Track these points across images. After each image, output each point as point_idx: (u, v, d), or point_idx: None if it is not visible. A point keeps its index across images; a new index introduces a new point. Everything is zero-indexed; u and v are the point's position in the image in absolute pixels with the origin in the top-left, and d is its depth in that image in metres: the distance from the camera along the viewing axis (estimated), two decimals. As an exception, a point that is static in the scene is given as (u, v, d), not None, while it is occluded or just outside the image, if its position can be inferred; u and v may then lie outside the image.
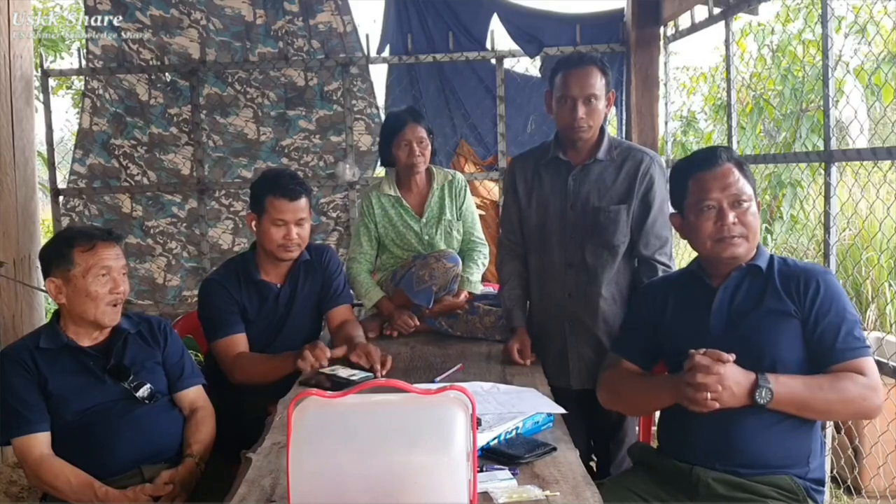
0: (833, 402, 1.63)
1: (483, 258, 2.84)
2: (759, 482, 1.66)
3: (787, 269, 1.75)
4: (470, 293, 2.71)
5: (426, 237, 2.77)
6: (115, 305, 1.94)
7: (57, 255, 1.93)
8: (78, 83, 6.55)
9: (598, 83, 2.23)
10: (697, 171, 1.77)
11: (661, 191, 2.32)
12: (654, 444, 2.12)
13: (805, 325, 1.68)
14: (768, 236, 5.04)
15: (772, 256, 1.79)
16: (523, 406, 1.78)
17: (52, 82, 4.33)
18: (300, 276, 2.50)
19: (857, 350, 1.65)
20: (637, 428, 2.52)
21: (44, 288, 1.97)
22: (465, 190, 2.83)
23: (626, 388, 1.88)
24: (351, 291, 2.69)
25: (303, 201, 2.40)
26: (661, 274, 2.32)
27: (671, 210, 1.93)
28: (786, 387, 1.61)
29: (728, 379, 1.58)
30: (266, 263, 2.47)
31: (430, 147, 2.73)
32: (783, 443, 1.68)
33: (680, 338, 1.78)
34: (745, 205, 1.73)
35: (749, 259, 1.77)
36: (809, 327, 1.68)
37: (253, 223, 2.43)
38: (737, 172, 1.75)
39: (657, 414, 2.17)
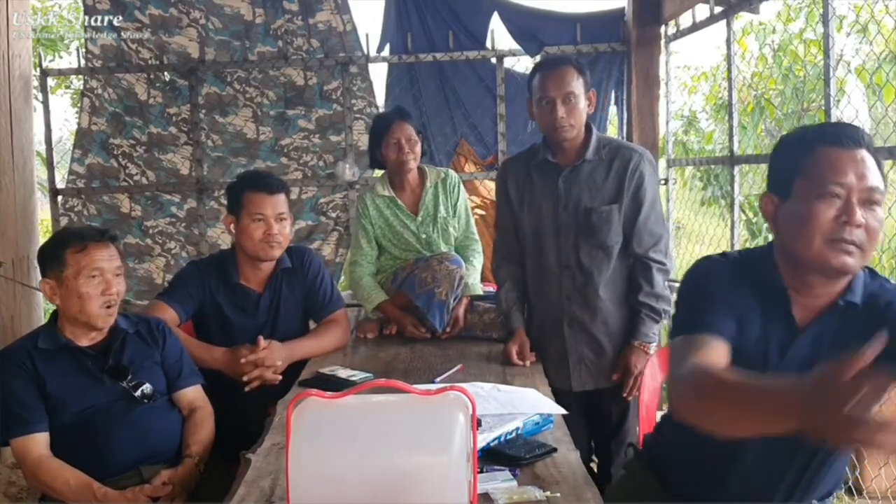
0: None
1: (479, 257, 2.82)
2: None
3: (876, 305, 1.38)
4: (470, 297, 2.69)
5: (423, 235, 2.75)
6: (108, 307, 1.92)
7: (51, 257, 1.92)
8: (77, 83, 6.54)
9: (576, 82, 2.23)
10: (829, 144, 1.33)
11: (653, 187, 2.31)
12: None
13: None
14: (769, 236, 5.03)
15: (865, 283, 1.41)
16: (523, 407, 1.77)
17: (50, 82, 4.32)
18: (282, 285, 2.44)
19: None
20: (637, 428, 2.50)
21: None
22: (459, 186, 2.81)
23: (725, 394, 1.14)
24: (340, 292, 2.66)
25: (282, 196, 2.38)
26: (655, 273, 2.30)
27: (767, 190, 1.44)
28: None
29: None
30: (246, 267, 2.41)
31: (419, 145, 2.70)
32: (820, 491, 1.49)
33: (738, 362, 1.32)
34: (877, 208, 1.33)
35: (844, 289, 1.38)
36: None
37: (231, 226, 2.38)
38: (874, 163, 1.33)
39: (657, 413, 2.13)
